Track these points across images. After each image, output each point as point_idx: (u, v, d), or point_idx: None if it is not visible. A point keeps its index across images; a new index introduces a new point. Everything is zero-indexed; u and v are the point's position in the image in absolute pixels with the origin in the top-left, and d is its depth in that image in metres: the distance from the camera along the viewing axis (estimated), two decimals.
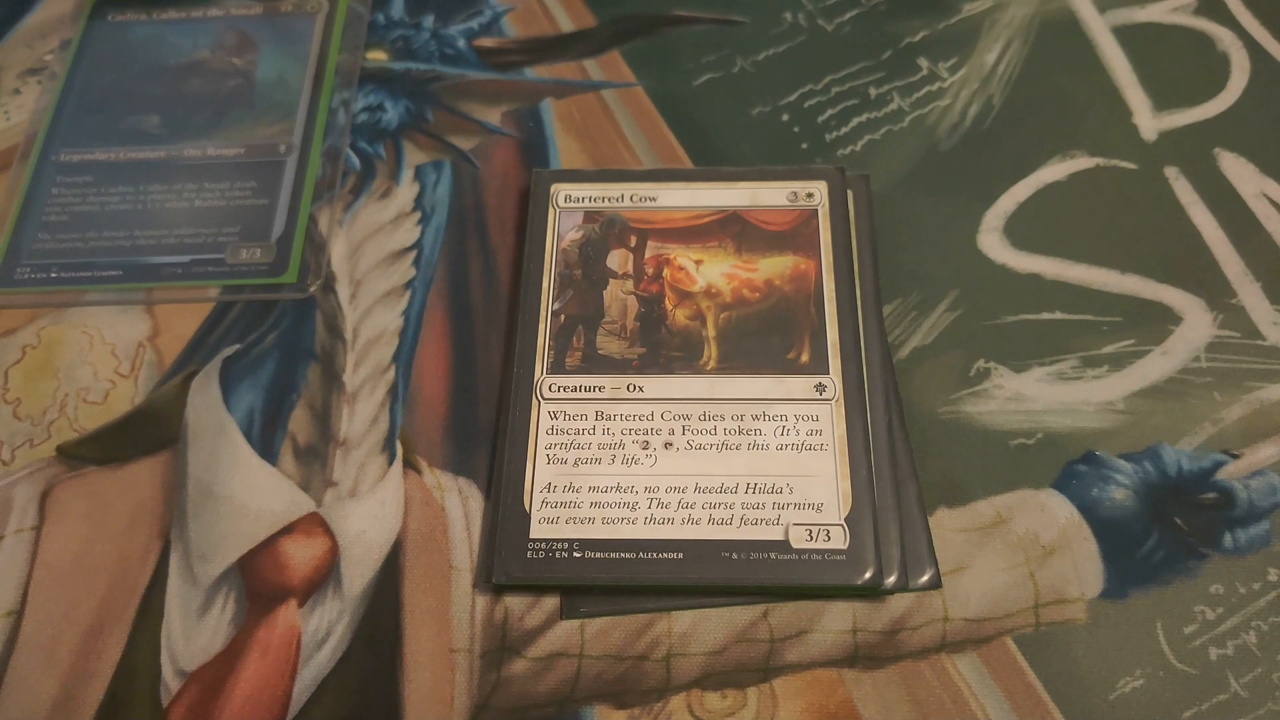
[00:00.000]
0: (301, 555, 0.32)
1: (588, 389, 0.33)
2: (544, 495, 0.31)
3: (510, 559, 0.31)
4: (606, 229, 0.37)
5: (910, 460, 0.33)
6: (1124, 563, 0.31)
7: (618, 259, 0.36)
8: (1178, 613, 0.30)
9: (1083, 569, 0.31)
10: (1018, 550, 0.32)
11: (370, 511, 0.33)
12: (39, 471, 0.34)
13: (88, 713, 0.30)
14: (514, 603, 0.31)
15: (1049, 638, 0.30)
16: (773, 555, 0.30)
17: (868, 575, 0.30)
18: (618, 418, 0.33)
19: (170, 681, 0.30)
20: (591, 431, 0.33)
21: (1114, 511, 0.32)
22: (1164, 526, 0.32)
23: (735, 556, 0.30)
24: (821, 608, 0.31)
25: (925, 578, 0.31)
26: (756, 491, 0.31)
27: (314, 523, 0.33)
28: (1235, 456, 0.33)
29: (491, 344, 0.36)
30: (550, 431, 0.33)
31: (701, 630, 0.31)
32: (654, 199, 0.37)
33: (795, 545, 0.30)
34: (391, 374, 0.36)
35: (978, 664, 0.30)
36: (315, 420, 0.35)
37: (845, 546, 0.30)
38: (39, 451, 0.34)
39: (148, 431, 0.35)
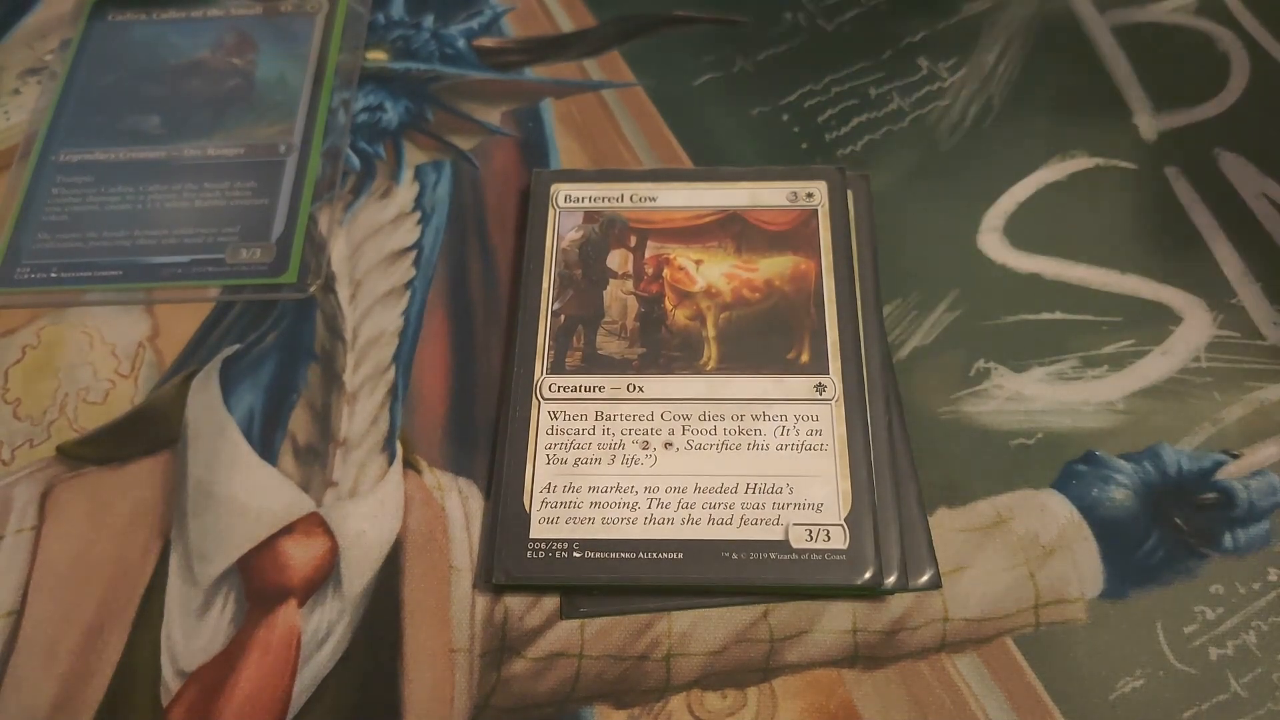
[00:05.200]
0: (301, 555, 0.32)
1: (588, 389, 0.33)
2: (544, 495, 0.31)
3: (510, 559, 0.31)
4: (606, 229, 0.37)
5: (910, 460, 0.33)
6: (1124, 563, 0.31)
7: (618, 259, 0.36)
8: (1178, 613, 0.30)
9: (1083, 569, 0.31)
10: (1018, 550, 0.32)
11: (370, 511, 0.33)
12: (39, 471, 0.34)
13: (88, 713, 0.30)
14: (514, 603, 0.31)
15: (1049, 638, 0.30)
16: (772, 555, 0.30)
17: (868, 575, 0.30)
18: (618, 418, 0.33)
19: (170, 681, 0.30)
20: (591, 431, 0.33)
21: (1114, 511, 0.32)
22: (1164, 526, 0.32)
23: (735, 556, 0.30)
24: (821, 608, 0.31)
25: (925, 578, 0.31)
26: (756, 491, 0.31)
27: (314, 523, 0.33)
28: (1235, 456, 0.33)
29: (491, 344, 0.36)
30: (550, 431, 0.33)
31: (701, 630, 0.31)
32: (654, 199, 0.37)
33: (795, 545, 0.30)
34: (391, 374, 0.36)
35: (978, 664, 0.30)
36: (315, 420, 0.35)
37: (845, 546, 0.30)
38: (39, 451, 0.34)
39: (148, 431, 0.35)
